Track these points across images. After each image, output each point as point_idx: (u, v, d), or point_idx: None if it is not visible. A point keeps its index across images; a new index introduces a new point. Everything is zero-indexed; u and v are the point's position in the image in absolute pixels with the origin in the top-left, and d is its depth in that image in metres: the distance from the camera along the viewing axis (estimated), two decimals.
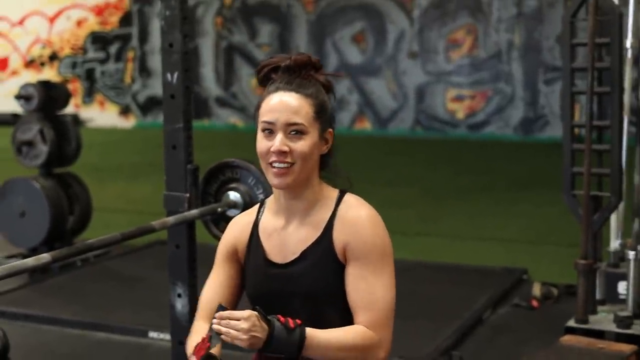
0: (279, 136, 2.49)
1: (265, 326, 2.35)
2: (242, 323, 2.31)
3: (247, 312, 2.33)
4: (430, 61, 16.96)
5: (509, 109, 16.35)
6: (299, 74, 2.55)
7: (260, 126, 2.53)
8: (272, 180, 2.52)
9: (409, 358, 4.85)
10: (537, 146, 15.02)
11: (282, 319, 2.40)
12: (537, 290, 6.14)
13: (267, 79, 2.59)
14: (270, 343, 2.35)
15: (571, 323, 4.95)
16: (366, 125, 17.42)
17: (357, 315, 2.50)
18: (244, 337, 2.30)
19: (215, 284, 2.67)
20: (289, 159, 2.48)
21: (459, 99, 16.75)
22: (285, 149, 2.48)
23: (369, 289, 2.48)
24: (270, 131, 2.50)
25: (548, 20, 15.89)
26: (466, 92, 16.68)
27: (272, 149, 2.48)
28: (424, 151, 14.80)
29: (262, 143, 2.52)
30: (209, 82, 18.74)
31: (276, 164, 2.49)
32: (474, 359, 4.98)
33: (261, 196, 3.67)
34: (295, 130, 2.49)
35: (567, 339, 4.36)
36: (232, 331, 2.31)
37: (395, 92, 17.20)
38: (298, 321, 2.42)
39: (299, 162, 2.49)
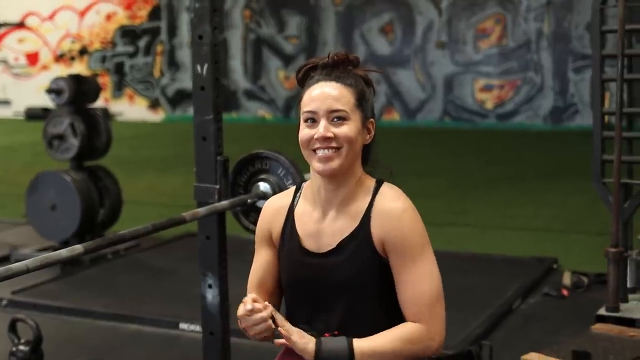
0: (322, 123, 2.51)
1: (312, 341, 2.47)
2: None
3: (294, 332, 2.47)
4: (458, 51, 16.91)
5: (538, 98, 16.27)
6: (338, 68, 2.58)
7: (302, 117, 2.55)
8: (317, 166, 2.52)
9: None
10: (566, 135, 14.94)
11: (326, 334, 2.49)
12: (567, 279, 6.12)
13: (307, 77, 2.62)
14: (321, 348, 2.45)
15: (602, 311, 4.93)
16: (394, 116, 17.39)
17: (404, 309, 2.52)
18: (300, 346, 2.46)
19: (258, 269, 2.70)
20: (334, 144, 2.50)
21: (487, 88, 16.69)
22: (330, 134, 2.49)
23: (413, 282, 2.49)
24: (312, 120, 2.53)
25: (577, 9, 15.80)
26: (495, 81, 16.62)
27: (315, 136, 2.50)
28: (453, 141, 14.76)
29: (304, 132, 2.54)
30: (238, 75, 18.77)
31: (321, 151, 2.50)
32: (504, 348, 4.97)
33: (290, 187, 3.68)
34: (337, 117, 2.51)
35: (598, 327, 4.34)
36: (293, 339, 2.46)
37: (423, 82, 17.16)
38: (336, 332, 2.49)
39: (345, 147, 2.50)
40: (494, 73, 16.63)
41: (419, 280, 2.49)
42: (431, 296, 2.50)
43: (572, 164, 11.41)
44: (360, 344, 2.45)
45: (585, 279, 6.10)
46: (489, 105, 16.69)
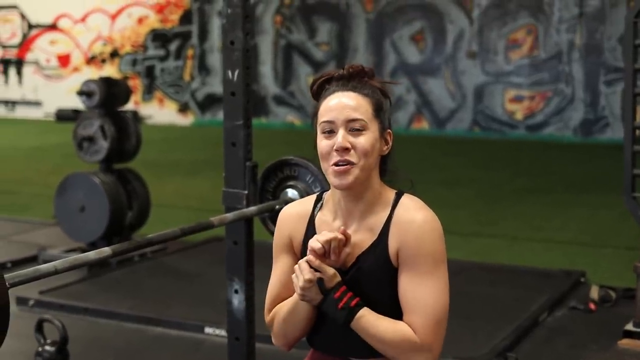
0: (341, 132, 2.48)
1: (320, 296, 2.47)
2: (299, 280, 2.46)
3: (309, 277, 2.45)
4: (489, 61, 16.86)
5: (568, 110, 16.18)
6: (354, 79, 2.56)
7: (320, 128, 2.52)
8: (334, 181, 2.50)
9: (465, 359, 4.83)
10: (597, 148, 14.86)
11: (337, 294, 2.46)
12: (595, 293, 6.08)
13: (322, 90, 2.60)
14: (321, 306, 2.49)
15: (629, 327, 4.90)
16: (424, 125, 17.36)
17: (404, 320, 2.47)
18: (298, 290, 2.48)
19: (279, 279, 2.66)
20: (351, 155, 2.47)
21: (518, 99, 16.62)
22: (348, 145, 2.46)
23: (417, 295, 2.45)
24: (330, 131, 2.50)
25: (610, 21, 15.71)
26: (525, 92, 16.55)
27: (335, 147, 2.47)
28: (482, 152, 14.71)
29: (323, 143, 2.51)
30: (267, 80, 18.80)
31: (337, 165, 2.47)
32: None
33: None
34: (356, 127, 2.48)
35: (625, 342, 4.32)
36: (300, 271, 2.47)
37: (453, 92, 17.12)
38: (352, 303, 2.46)
39: (361, 160, 2.47)
40: (524, 84, 16.56)
41: (426, 295, 2.44)
42: (435, 313, 2.44)
43: (602, 177, 11.34)
44: (365, 314, 2.46)
45: (613, 294, 6.05)
46: (519, 116, 16.62)
